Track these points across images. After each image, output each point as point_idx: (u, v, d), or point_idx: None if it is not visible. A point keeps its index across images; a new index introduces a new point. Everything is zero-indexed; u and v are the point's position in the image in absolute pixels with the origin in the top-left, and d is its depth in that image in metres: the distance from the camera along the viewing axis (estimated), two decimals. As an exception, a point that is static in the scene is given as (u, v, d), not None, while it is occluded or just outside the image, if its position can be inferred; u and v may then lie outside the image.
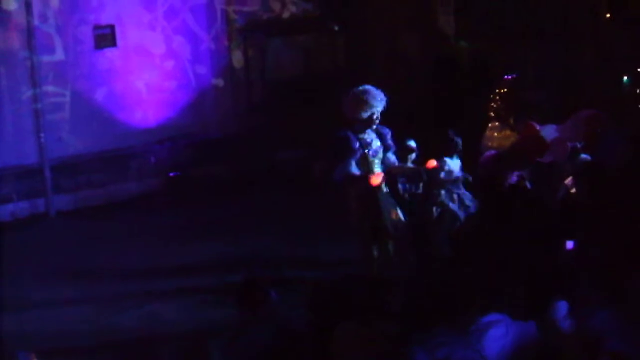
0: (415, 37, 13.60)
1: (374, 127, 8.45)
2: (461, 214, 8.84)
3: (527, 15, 12.65)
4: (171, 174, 12.66)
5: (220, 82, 13.30)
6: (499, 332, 4.97)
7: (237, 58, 13.34)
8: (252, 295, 6.18)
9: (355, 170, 8.33)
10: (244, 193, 12.16)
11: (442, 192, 8.87)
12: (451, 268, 7.91)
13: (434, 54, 13.45)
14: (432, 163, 8.79)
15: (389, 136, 8.57)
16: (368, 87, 8.41)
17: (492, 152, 8.64)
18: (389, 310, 6.50)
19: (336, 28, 13.38)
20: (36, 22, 11.98)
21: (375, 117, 8.37)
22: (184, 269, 9.80)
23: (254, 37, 13.28)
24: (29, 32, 11.93)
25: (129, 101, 12.79)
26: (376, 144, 8.46)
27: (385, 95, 8.36)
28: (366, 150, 8.38)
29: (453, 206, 8.89)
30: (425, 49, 13.51)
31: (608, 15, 12.42)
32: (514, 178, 8.18)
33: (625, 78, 12.01)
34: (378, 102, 8.32)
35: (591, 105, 9.69)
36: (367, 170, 8.36)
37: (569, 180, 8.04)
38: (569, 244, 7.32)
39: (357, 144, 8.33)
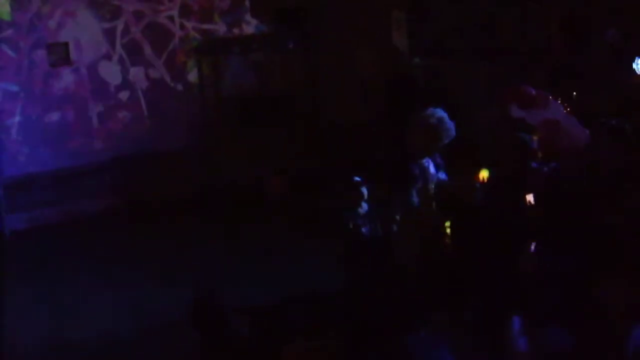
0: (369, 54, 13.69)
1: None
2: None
3: (484, 35, 12.75)
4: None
5: (175, 99, 13.29)
6: None
7: (193, 75, 13.35)
8: (217, 318, 6.17)
9: (415, 199, 7.81)
10: (199, 211, 12.16)
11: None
12: (397, 282, 7.88)
13: (388, 71, 13.54)
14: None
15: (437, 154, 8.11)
16: (441, 115, 7.83)
17: None
18: (333, 327, 6.54)
19: (291, 46, 13.44)
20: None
21: (440, 147, 7.91)
22: (136, 290, 9.82)
23: (210, 54, 13.30)
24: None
25: (83, 120, 12.75)
26: (431, 167, 8.01)
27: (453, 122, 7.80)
28: (426, 176, 7.89)
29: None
30: (379, 66, 13.60)
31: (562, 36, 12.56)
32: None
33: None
34: (449, 135, 7.84)
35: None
36: (425, 198, 7.83)
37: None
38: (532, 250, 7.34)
39: (418, 171, 7.85)
